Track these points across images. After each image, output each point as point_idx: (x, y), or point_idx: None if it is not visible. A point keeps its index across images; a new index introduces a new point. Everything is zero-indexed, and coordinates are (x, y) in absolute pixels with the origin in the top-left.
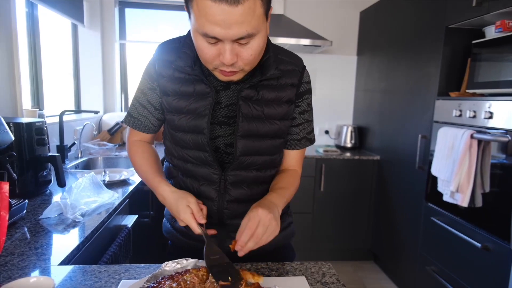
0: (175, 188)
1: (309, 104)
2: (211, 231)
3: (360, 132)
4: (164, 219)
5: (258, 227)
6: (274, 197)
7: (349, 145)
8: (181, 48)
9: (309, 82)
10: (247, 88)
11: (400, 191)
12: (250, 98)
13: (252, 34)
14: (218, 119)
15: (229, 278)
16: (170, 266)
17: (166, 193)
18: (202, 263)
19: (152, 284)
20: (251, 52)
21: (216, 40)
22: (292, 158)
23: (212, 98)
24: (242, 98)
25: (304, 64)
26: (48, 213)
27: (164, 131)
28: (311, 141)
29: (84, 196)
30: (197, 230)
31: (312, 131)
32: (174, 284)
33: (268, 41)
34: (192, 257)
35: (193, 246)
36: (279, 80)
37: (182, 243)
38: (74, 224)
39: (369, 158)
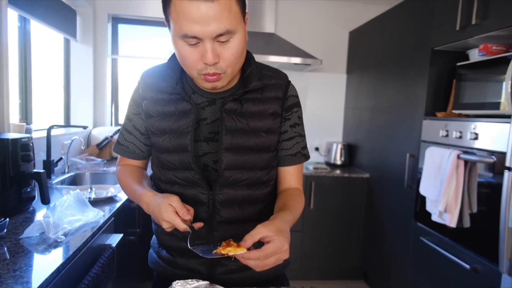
0: (158, 192)
1: (300, 118)
2: (198, 224)
3: (350, 149)
4: (151, 249)
5: (273, 258)
6: (289, 221)
7: (339, 162)
8: (164, 71)
9: (296, 96)
10: (231, 101)
11: (389, 209)
12: (234, 111)
13: (231, 31)
14: (204, 135)
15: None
16: (181, 285)
17: (149, 198)
18: (213, 286)
19: None
20: (232, 52)
21: (197, 40)
22: (291, 176)
23: (194, 115)
24: (225, 111)
25: (292, 80)
26: (29, 232)
27: (151, 157)
28: (306, 157)
29: (68, 215)
30: (181, 225)
31: (306, 147)
32: None
33: (251, 56)
34: None
35: (180, 276)
36: (263, 93)
37: (168, 273)
38: (55, 244)
39: (359, 176)
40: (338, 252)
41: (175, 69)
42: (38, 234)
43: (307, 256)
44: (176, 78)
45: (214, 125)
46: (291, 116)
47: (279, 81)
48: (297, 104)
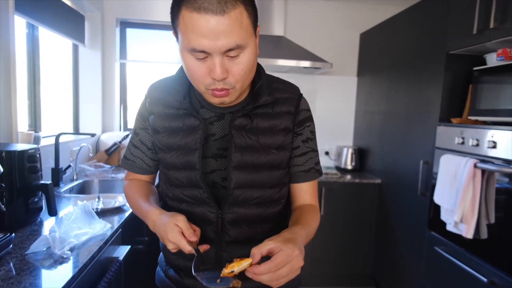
0: (164, 210)
1: (312, 132)
2: (204, 246)
3: (360, 154)
4: (158, 267)
5: (286, 267)
6: (299, 234)
7: (349, 167)
8: (171, 85)
9: (308, 110)
10: (240, 116)
11: (402, 217)
12: (244, 127)
13: (241, 45)
14: (212, 151)
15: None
16: None
17: (155, 216)
18: None
19: None
20: (241, 67)
21: (205, 54)
22: (305, 192)
23: (202, 131)
24: (235, 127)
25: (301, 83)
26: (35, 248)
27: (159, 173)
28: (320, 172)
29: (75, 228)
30: (187, 247)
31: (319, 162)
32: None
33: (262, 69)
34: None
35: None
36: (274, 108)
37: None
38: (62, 260)
39: (370, 182)
40: (349, 258)
41: (183, 83)
42: (44, 249)
43: (317, 263)
44: (184, 92)
45: (223, 141)
46: (303, 131)
47: (290, 94)
48: (310, 118)
